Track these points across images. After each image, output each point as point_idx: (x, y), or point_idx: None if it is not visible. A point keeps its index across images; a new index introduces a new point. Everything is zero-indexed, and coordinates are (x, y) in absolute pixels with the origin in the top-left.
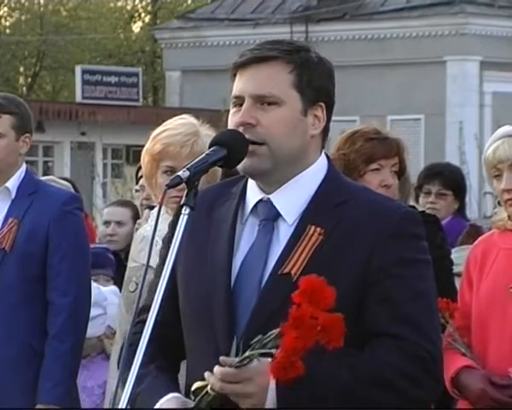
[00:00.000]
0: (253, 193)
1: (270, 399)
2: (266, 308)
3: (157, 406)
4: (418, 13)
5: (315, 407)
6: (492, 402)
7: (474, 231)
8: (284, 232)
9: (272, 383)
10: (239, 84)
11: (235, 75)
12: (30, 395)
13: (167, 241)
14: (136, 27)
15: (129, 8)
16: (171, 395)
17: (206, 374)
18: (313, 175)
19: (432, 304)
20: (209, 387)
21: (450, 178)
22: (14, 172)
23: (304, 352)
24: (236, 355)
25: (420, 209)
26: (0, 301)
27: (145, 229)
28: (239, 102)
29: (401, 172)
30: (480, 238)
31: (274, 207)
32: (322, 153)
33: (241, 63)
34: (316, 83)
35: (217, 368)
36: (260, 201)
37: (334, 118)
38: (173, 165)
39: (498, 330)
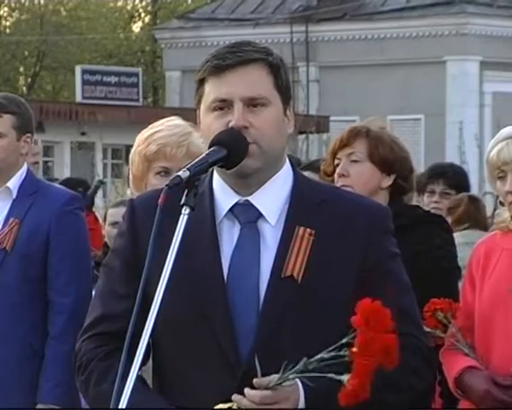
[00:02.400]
0: (225, 195)
1: None
2: (274, 311)
3: None
4: (418, 13)
5: None
6: (496, 403)
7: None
8: (270, 234)
9: (302, 401)
10: (223, 88)
11: (206, 78)
12: (30, 395)
13: (126, 233)
14: (136, 27)
15: (129, 8)
16: None
17: (237, 398)
18: (286, 176)
19: (414, 297)
20: (235, 406)
21: (454, 178)
22: (15, 172)
23: (370, 376)
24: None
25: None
26: (0, 300)
27: None
28: (224, 105)
29: (380, 162)
30: (482, 239)
31: (255, 208)
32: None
33: (225, 66)
34: (287, 83)
35: (251, 392)
36: (236, 204)
37: (334, 118)
38: (168, 166)
39: (502, 330)
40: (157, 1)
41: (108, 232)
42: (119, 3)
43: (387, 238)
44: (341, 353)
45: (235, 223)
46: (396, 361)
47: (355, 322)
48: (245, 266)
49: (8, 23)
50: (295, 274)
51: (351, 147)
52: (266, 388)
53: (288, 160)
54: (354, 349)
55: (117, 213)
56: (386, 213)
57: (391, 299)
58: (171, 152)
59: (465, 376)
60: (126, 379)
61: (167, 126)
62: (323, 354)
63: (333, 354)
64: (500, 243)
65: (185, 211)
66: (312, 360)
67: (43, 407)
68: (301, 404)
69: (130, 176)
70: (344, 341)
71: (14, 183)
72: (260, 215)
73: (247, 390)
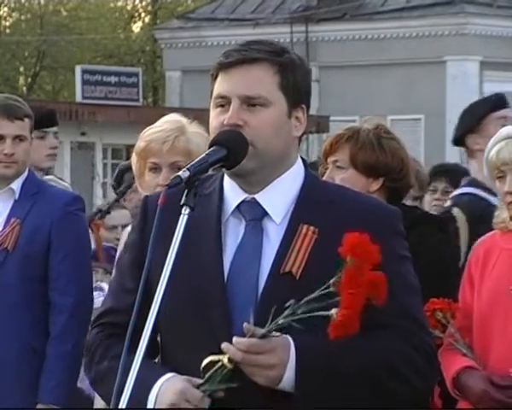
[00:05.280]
0: (234, 193)
1: (289, 378)
2: (270, 306)
3: (157, 386)
4: (418, 13)
5: (330, 386)
6: (493, 403)
7: None
8: (273, 232)
9: (292, 361)
10: (225, 85)
11: (216, 75)
12: (30, 395)
13: (137, 229)
14: (136, 27)
15: (129, 8)
16: (168, 374)
17: (225, 345)
18: (294, 176)
19: (421, 299)
20: (226, 359)
21: (456, 177)
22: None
23: (361, 308)
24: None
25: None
26: (1, 300)
27: None
28: (224, 102)
29: (363, 168)
30: (481, 238)
31: (260, 206)
32: (299, 155)
33: (228, 63)
34: (298, 84)
35: (238, 339)
36: (243, 201)
37: (334, 118)
38: (157, 161)
39: (500, 330)
40: (157, 1)
41: (107, 237)
42: (119, 3)
43: (394, 240)
44: (329, 289)
45: (242, 220)
46: (384, 297)
47: (342, 252)
48: (246, 263)
49: (8, 23)
50: (294, 270)
51: (336, 154)
52: (253, 335)
53: (300, 159)
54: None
55: (120, 216)
56: (393, 214)
57: (394, 299)
58: (156, 148)
59: (462, 376)
60: (127, 374)
61: (159, 123)
62: (312, 295)
63: (320, 292)
64: (499, 242)
65: (185, 211)
66: (301, 302)
67: (44, 407)
68: (291, 360)
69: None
70: (333, 280)
71: (17, 184)
72: (265, 213)
73: (235, 338)
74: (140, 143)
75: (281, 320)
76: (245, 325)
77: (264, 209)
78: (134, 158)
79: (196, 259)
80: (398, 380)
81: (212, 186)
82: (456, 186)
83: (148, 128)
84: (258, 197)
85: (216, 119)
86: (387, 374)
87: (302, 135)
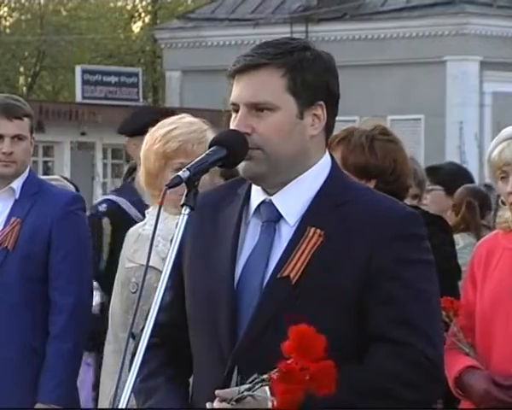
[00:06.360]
0: (257, 194)
1: None
2: (265, 312)
3: None
4: (418, 13)
5: None
6: (496, 403)
7: None
8: (286, 234)
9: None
10: (235, 91)
11: (233, 77)
12: (30, 394)
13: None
14: (136, 27)
15: (129, 8)
16: None
17: (208, 405)
18: (316, 175)
19: (433, 305)
20: None
21: (443, 175)
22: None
23: (296, 403)
24: (237, 384)
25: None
26: (1, 300)
27: (142, 228)
28: (236, 108)
29: (353, 169)
30: (484, 238)
31: (275, 208)
32: (326, 152)
33: (235, 71)
34: (311, 83)
35: (214, 405)
36: (263, 202)
37: None
38: (187, 162)
39: (503, 330)
40: (157, 1)
41: None
42: (119, 3)
43: (402, 243)
44: (264, 376)
45: (260, 222)
46: (331, 387)
47: (284, 348)
48: (255, 265)
49: (8, 23)
50: (292, 275)
51: None
52: (228, 401)
53: (327, 157)
54: (274, 375)
55: None
56: (405, 217)
57: (396, 306)
58: (192, 148)
59: (465, 375)
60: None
61: (184, 124)
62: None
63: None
64: (502, 242)
65: (185, 211)
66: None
67: (44, 407)
68: None
69: (142, 173)
70: (269, 373)
71: (17, 183)
72: (281, 215)
73: (208, 404)
74: (170, 144)
75: (244, 389)
76: (217, 392)
77: (279, 211)
78: (151, 157)
79: (214, 259)
80: (391, 402)
81: (243, 187)
82: (441, 183)
83: (169, 128)
84: (274, 199)
85: (232, 124)
86: (378, 399)
87: (330, 130)
